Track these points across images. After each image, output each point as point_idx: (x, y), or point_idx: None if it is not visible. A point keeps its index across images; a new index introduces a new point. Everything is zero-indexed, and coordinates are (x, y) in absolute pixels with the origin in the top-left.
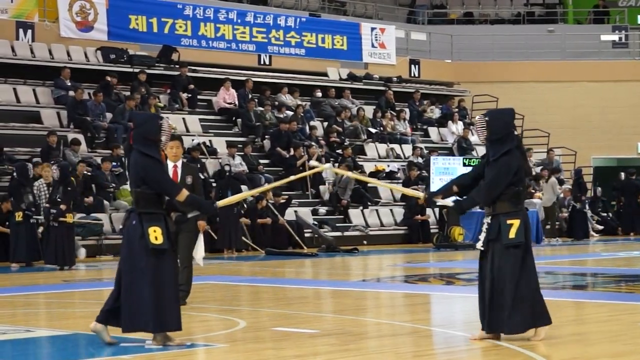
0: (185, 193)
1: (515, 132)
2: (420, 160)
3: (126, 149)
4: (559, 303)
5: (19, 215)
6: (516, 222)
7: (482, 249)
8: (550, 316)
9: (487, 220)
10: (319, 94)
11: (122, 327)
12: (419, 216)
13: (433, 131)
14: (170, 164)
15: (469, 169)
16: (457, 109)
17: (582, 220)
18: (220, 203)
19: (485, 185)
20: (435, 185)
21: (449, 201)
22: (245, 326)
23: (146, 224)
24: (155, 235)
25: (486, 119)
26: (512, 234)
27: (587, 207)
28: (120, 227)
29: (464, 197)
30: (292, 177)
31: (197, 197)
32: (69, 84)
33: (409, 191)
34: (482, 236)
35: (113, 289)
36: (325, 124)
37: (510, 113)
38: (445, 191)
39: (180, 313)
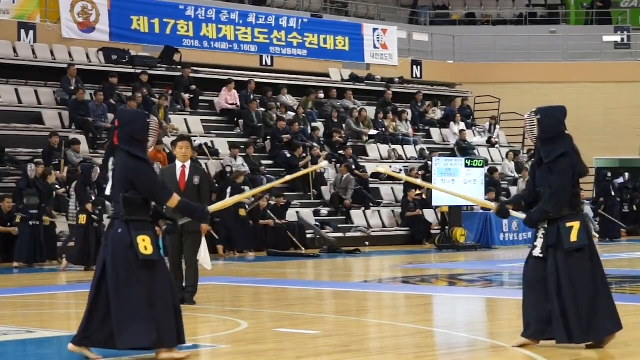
0: (176, 198)
1: (567, 131)
2: (423, 161)
3: (109, 149)
4: None
5: (18, 217)
6: (576, 225)
7: (541, 255)
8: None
9: (544, 225)
10: (321, 95)
11: (117, 346)
12: (412, 212)
13: (435, 132)
14: (178, 164)
15: (472, 170)
16: (463, 108)
17: (606, 222)
18: (212, 208)
19: (554, 193)
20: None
21: (521, 214)
22: (246, 327)
23: (134, 232)
24: (145, 245)
25: (537, 117)
26: (573, 237)
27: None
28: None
29: (529, 210)
30: (288, 177)
31: (189, 202)
32: (74, 84)
33: (481, 201)
34: (539, 242)
35: (88, 307)
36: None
37: (562, 111)
38: (515, 203)
39: (181, 326)
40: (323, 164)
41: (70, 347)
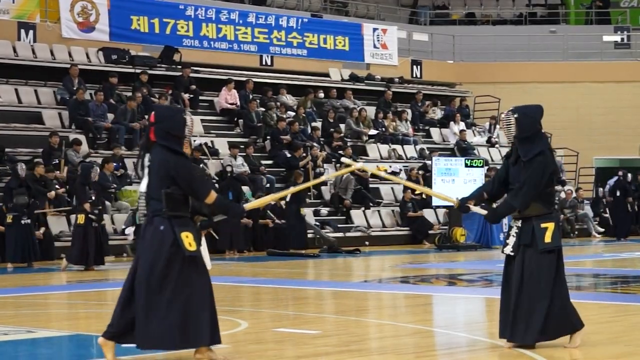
0: (214, 195)
1: (543, 130)
2: (427, 162)
3: (144, 145)
4: None
5: (9, 217)
6: (551, 226)
7: (512, 254)
8: (582, 320)
9: (517, 223)
10: (321, 95)
11: (140, 345)
12: (414, 214)
13: (435, 132)
14: None
15: (471, 169)
16: (462, 108)
17: (624, 219)
18: (248, 206)
19: (521, 188)
20: (437, 186)
21: (481, 209)
22: (246, 327)
23: (178, 229)
24: (189, 241)
25: (515, 116)
26: (547, 238)
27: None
28: (123, 227)
29: (494, 204)
30: (323, 177)
31: (225, 199)
32: (76, 84)
33: (443, 196)
34: (511, 240)
35: (123, 303)
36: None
37: (539, 110)
38: (476, 197)
39: (217, 324)
40: (358, 165)
41: (101, 341)
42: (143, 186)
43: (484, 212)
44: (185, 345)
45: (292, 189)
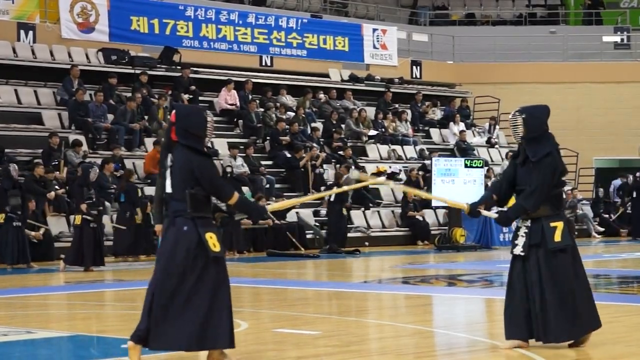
0: (236, 196)
1: (549, 131)
2: (426, 162)
3: (165, 145)
4: None
5: (1, 217)
6: (560, 225)
7: (522, 254)
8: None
9: (526, 224)
10: (322, 95)
11: (157, 345)
12: (413, 212)
13: (435, 132)
14: None
15: (471, 170)
16: (462, 109)
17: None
18: (271, 208)
19: (533, 190)
20: (437, 187)
21: (493, 213)
22: (246, 327)
23: (202, 229)
24: (213, 242)
25: (522, 116)
26: (557, 237)
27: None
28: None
29: (505, 206)
30: (354, 186)
31: (248, 200)
32: (76, 85)
33: (453, 202)
34: (520, 241)
35: (149, 304)
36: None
37: (546, 110)
38: (486, 201)
39: (233, 329)
40: (381, 179)
41: (130, 345)
42: (168, 187)
43: (495, 215)
44: (204, 346)
45: (317, 194)
